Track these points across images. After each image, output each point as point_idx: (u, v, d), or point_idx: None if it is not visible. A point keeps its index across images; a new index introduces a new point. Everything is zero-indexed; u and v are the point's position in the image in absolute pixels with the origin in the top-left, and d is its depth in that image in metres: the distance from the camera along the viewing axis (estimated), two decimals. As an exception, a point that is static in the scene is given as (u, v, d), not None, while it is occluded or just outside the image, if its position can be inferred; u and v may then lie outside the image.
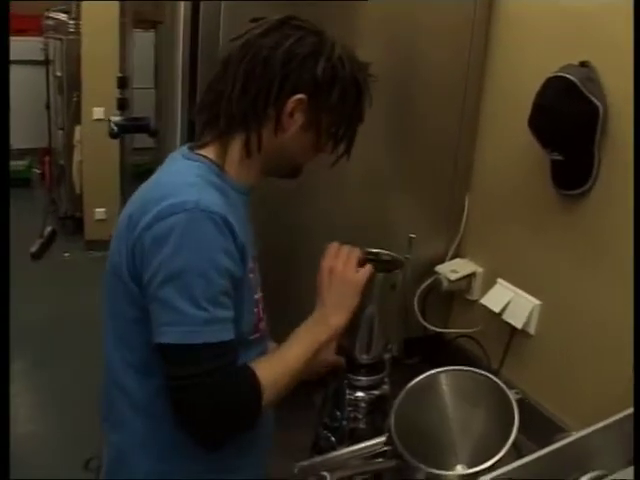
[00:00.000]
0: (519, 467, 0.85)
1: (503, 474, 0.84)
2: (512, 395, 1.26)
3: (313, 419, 1.52)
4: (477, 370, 1.44)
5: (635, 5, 1.29)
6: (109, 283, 1.12)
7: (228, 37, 1.16)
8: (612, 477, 0.82)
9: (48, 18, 4.81)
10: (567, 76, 1.41)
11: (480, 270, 1.82)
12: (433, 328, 1.86)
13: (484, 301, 1.74)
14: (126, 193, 2.26)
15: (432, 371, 1.42)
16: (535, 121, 1.48)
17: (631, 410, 0.91)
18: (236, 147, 1.10)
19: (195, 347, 0.97)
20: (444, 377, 1.43)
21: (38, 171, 5.85)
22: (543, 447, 0.92)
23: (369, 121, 1.18)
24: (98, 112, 4.46)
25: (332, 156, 1.18)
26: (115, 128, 1.86)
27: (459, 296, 1.88)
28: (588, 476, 0.83)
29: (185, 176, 1.06)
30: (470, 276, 1.83)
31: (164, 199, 1.00)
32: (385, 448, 1.34)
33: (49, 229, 4.62)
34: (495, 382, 1.39)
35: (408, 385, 1.43)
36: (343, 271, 1.16)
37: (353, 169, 1.35)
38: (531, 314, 1.64)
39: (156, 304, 1.00)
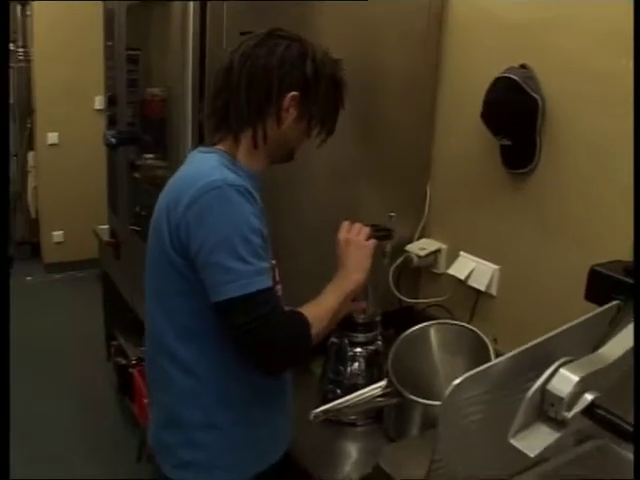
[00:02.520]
0: (496, 366, 1.10)
1: (479, 373, 1.09)
2: (488, 340, 1.57)
3: (313, 383, 1.78)
4: (460, 322, 1.74)
5: (635, 5, 1.50)
6: (153, 267, 1.34)
7: (232, 37, 1.40)
8: (578, 361, 1.10)
9: (-6, 48, 4.92)
10: (511, 76, 1.73)
11: (444, 246, 2.12)
12: (407, 300, 2.14)
13: (451, 271, 2.04)
14: (118, 203, 2.46)
15: (423, 324, 1.72)
16: (486, 113, 1.79)
17: (594, 312, 1.21)
18: (245, 141, 1.32)
19: (251, 295, 1.20)
20: (433, 329, 1.72)
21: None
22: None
23: (339, 118, 1.41)
24: (52, 137, 4.60)
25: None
26: (113, 140, 2.07)
27: (427, 271, 2.17)
28: (558, 363, 1.11)
29: (207, 163, 1.28)
30: (436, 252, 2.13)
31: (195, 183, 1.22)
32: (385, 391, 1.61)
33: (6, 255, 4.69)
34: (474, 331, 1.69)
35: (402, 335, 1.71)
36: (358, 240, 1.44)
37: (324, 162, 1.58)
38: (492, 278, 1.95)
39: (209, 269, 1.21)
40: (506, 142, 1.80)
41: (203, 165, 1.29)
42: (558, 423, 1.09)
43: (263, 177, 1.39)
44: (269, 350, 1.23)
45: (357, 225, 1.47)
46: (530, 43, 1.75)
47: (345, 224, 1.47)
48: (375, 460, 1.40)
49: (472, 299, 2.01)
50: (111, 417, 3.13)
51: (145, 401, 2.40)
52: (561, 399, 1.07)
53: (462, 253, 2.04)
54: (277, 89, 1.29)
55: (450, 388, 1.05)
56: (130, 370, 2.71)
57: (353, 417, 1.70)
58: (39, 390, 3.26)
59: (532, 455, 1.06)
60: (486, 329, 1.91)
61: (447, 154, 2.09)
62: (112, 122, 2.25)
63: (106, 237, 2.80)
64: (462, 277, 2.00)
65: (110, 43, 2.23)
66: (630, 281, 1.30)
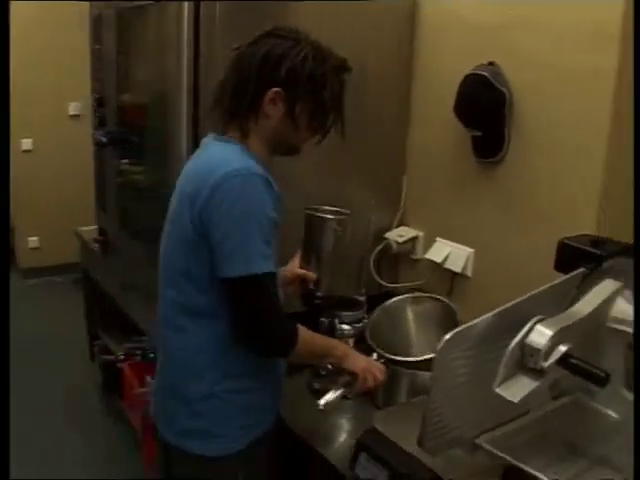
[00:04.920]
0: (479, 325, 1.24)
1: (465, 330, 1.23)
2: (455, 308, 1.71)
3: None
4: (433, 295, 1.89)
5: (635, 5, 1.57)
6: (170, 250, 1.45)
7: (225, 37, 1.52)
8: (551, 318, 1.25)
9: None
10: (480, 72, 1.88)
11: (421, 233, 2.27)
12: (387, 285, 2.28)
13: (428, 255, 2.18)
14: (107, 202, 2.55)
15: (398, 297, 1.87)
16: (458, 107, 1.94)
17: (563, 278, 1.36)
18: (253, 131, 1.42)
19: (258, 276, 1.33)
20: (407, 302, 1.87)
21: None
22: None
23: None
24: (27, 143, 4.64)
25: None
26: (104, 139, 2.18)
27: (405, 257, 2.32)
28: (534, 320, 1.25)
29: (227, 152, 1.40)
30: (413, 239, 2.27)
31: (219, 169, 1.33)
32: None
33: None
34: (444, 301, 1.85)
35: (381, 305, 1.86)
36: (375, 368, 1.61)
37: (305, 155, 1.68)
38: (467, 261, 2.10)
39: (223, 247, 1.32)
40: (477, 133, 1.95)
41: (224, 153, 1.40)
42: (537, 372, 1.24)
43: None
44: (254, 332, 1.37)
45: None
46: (497, 42, 1.91)
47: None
48: (366, 427, 1.54)
49: (449, 281, 2.15)
50: (98, 415, 3.20)
51: (137, 391, 2.50)
52: (538, 351, 1.21)
53: (438, 239, 2.19)
54: (258, 85, 1.39)
55: (441, 343, 1.19)
56: (119, 365, 2.81)
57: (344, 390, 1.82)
58: (24, 395, 3.30)
59: (515, 401, 1.21)
60: (463, 308, 2.06)
61: (421, 146, 2.24)
62: (101, 123, 2.35)
63: (89, 237, 2.89)
64: (439, 260, 2.14)
65: (98, 46, 2.32)
66: (595, 251, 1.45)
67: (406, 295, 1.87)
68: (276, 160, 1.53)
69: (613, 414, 1.41)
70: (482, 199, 2.05)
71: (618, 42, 1.60)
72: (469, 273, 2.10)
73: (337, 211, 1.78)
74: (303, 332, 1.44)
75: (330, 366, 1.81)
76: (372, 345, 1.69)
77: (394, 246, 2.24)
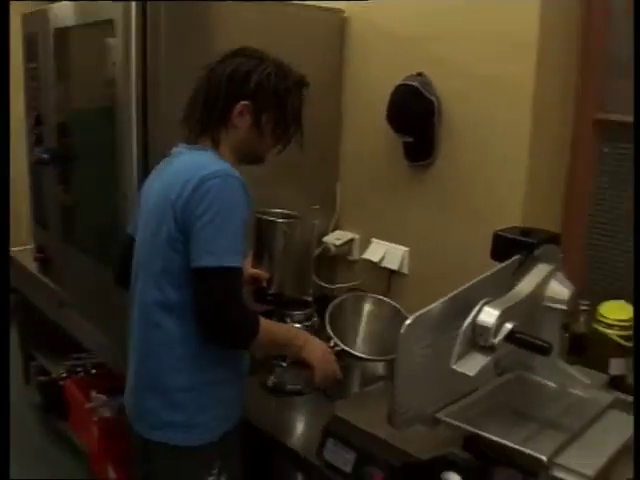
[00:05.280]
0: (433, 310, 1.36)
1: (422, 314, 1.35)
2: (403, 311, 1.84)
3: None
4: (377, 296, 2.03)
5: (635, 5, 1.70)
6: (148, 248, 1.51)
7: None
8: (499, 299, 1.39)
9: None
10: (410, 83, 2.03)
11: (357, 236, 2.40)
12: (328, 286, 2.40)
13: (366, 256, 2.31)
14: (48, 218, 2.55)
15: (355, 293, 1.99)
16: (391, 115, 2.09)
17: (501, 265, 1.51)
18: (222, 141, 1.54)
19: (226, 269, 1.41)
20: (354, 299, 2.00)
21: None
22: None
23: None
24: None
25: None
26: (45, 156, 2.20)
27: (342, 259, 2.44)
28: (482, 302, 1.39)
29: (205, 158, 1.50)
30: (350, 241, 2.40)
31: (198, 172, 1.42)
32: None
33: None
34: (394, 305, 1.98)
35: (339, 298, 1.98)
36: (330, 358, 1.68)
37: (253, 167, 1.78)
38: (403, 259, 2.24)
39: (197, 238, 1.40)
40: (408, 139, 2.10)
41: (200, 158, 1.51)
42: (488, 349, 1.37)
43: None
44: (217, 323, 1.44)
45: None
46: (424, 53, 2.06)
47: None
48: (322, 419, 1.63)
49: (386, 279, 2.29)
50: (37, 437, 3.14)
51: (87, 406, 2.51)
52: (488, 329, 1.35)
53: (374, 240, 2.32)
54: (228, 99, 1.53)
55: (403, 328, 1.31)
56: (60, 383, 2.79)
57: (298, 386, 1.92)
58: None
59: (472, 374, 1.34)
60: (401, 304, 2.20)
61: (354, 153, 2.37)
62: (39, 140, 2.36)
63: (23, 258, 2.86)
64: (376, 260, 2.28)
65: (34, 65, 2.33)
66: (528, 240, 1.61)
67: (357, 293, 2.00)
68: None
69: (552, 384, 1.57)
70: (414, 200, 2.20)
71: (535, 52, 1.79)
72: (405, 270, 2.24)
73: (286, 214, 1.89)
74: (264, 322, 1.51)
75: (285, 364, 1.91)
76: (331, 335, 1.80)
77: (332, 249, 2.36)
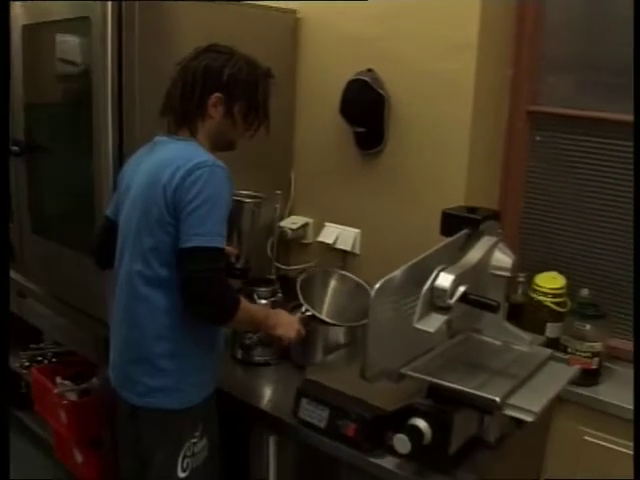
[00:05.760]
0: (396, 276, 1.55)
1: (388, 279, 1.54)
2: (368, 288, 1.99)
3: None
4: (343, 272, 2.21)
5: (635, 5, 1.80)
6: (135, 229, 1.63)
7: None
8: (450, 267, 1.59)
9: None
10: (362, 78, 2.21)
11: (311, 220, 2.57)
12: (285, 267, 2.56)
13: (320, 238, 2.49)
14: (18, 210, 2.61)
15: (323, 269, 2.18)
16: (344, 108, 2.27)
17: (452, 237, 1.71)
18: (200, 131, 1.69)
19: (210, 249, 1.56)
20: (331, 274, 2.19)
21: None
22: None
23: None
24: None
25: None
26: (16, 148, 2.29)
27: (297, 242, 2.60)
28: (438, 268, 1.58)
29: (191, 148, 1.64)
30: (305, 226, 2.56)
31: (188, 162, 1.56)
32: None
33: None
34: (357, 280, 2.17)
35: (308, 272, 2.16)
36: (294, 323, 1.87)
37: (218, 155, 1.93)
38: (355, 240, 2.42)
39: (187, 221, 1.54)
40: (360, 129, 2.28)
41: (187, 148, 1.65)
42: (444, 309, 1.57)
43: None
44: (202, 299, 1.57)
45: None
46: (373, 52, 2.24)
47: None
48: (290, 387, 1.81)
49: (340, 260, 2.47)
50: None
51: (57, 391, 2.59)
52: (445, 291, 1.55)
53: (327, 224, 2.50)
54: (203, 91, 1.68)
55: (373, 292, 1.49)
56: (23, 372, 2.87)
57: (267, 357, 2.08)
58: None
59: (432, 330, 1.53)
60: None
61: (308, 143, 2.54)
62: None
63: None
64: (330, 242, 2.45)
65: None
66: (474, 216, 1.82)
67: (325, 269, 2.19)
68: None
69: (498, 342, 1.79)
70: (365, 186, 2.38)
71: (476, 51, 2.00)
72: (357, 251, 2.43)
73: (253, 195, 2.05)
74: (243, 302, 1.67)
75: (254, 337, 2.06)
76: (302, 302, 1.97)
77: (289, 233, 2.52)
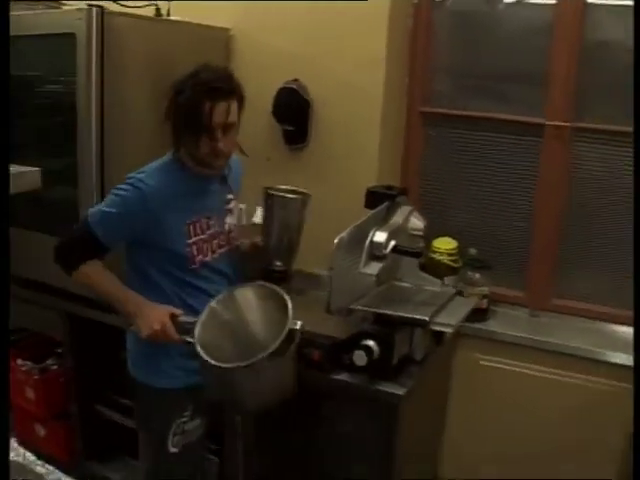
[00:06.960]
0: (345, 236, 2.07)
1: (341, 238, 2.05)
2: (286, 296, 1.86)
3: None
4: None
5: (635, 5, 2.03)
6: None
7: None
8: (382, 227, 2.12)
9: None
10: (290, 86, 2.71)
11: (244, 206, 3.00)
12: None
13: (254, 220, 2.94)
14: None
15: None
16: (275, 110, 2.75)
17: (377, 209, 2.24)
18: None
19: (85, 218, 1.91)
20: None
21: None
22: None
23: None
24: None
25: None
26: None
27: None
28: (374, 228, 2.11)
29: (153, 163, 1.97)
30: (239, 210, 3.00)
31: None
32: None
33: None
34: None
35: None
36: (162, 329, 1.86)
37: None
38: (285, 221, 2.89)
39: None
40: (289, 128, 2.77)
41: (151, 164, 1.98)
42: (381, 257, 2.10)
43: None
44: (60, 243, 1.94)
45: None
46: (299, 65, 2.72)
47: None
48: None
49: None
50: None
51: (23, 369, 2.85)
52: (380, 244, 2.09)
53: (258, 208, 2.95)
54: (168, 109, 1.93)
55: (335, 245, 1.99)
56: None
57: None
58: None
59: (374, 273, 2.06)
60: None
61: (241, 140, 2.96)
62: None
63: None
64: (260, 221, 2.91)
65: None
66: (391, 192, 2.36)
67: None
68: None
69: (413, 286, 2.34)
70: (293, 175, 2.85)
71: (384, 65, 2.55)
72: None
73: (293, 190, 2.26)
74: (93, 270, 1.88)
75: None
76: (196, 347, 1.73)
77: (227, 218, 2.95)
